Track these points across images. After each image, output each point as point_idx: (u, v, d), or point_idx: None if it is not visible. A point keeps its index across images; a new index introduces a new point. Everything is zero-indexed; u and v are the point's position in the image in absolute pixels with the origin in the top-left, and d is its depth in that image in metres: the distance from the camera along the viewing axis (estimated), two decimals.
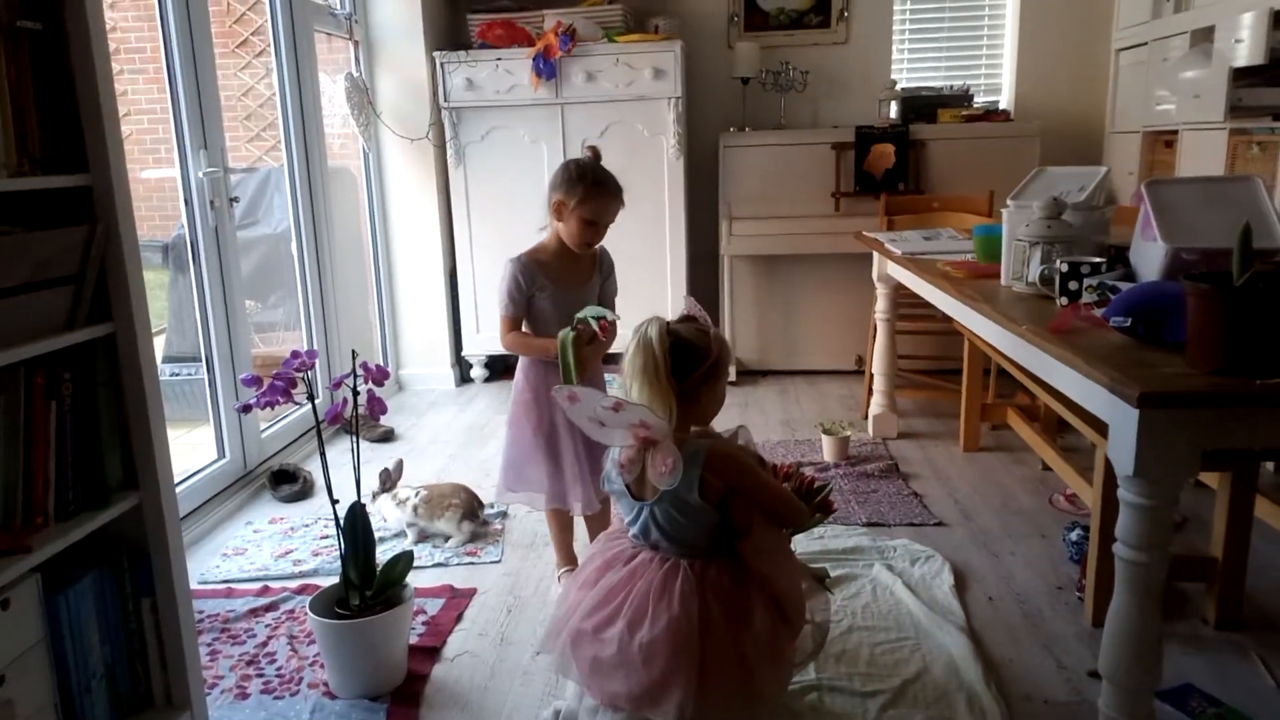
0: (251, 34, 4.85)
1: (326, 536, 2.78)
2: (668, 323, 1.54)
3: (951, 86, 4.53)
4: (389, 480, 2.82)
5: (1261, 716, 1.81)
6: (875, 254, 3.39)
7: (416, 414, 4.13)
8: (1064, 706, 1.87)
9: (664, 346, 1.48)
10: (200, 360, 3.16)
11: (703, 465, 1.48)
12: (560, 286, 2.23)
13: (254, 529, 2.89)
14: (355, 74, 4.09)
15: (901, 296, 3.41)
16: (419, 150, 4.30)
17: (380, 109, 4.26)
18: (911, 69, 4.75)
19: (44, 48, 1.46)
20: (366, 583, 1.97)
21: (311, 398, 1.92)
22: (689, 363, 1.51)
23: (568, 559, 2.43)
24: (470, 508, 2.75)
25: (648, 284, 4.25)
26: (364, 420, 3.59)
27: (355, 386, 1.94)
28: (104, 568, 1.61)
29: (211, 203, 3.03)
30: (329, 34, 3.99)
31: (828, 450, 3.32)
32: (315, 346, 3.79)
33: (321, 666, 2.04)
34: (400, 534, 2.77)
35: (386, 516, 2.75)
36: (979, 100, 4.50)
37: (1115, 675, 1.54)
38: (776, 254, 4.33)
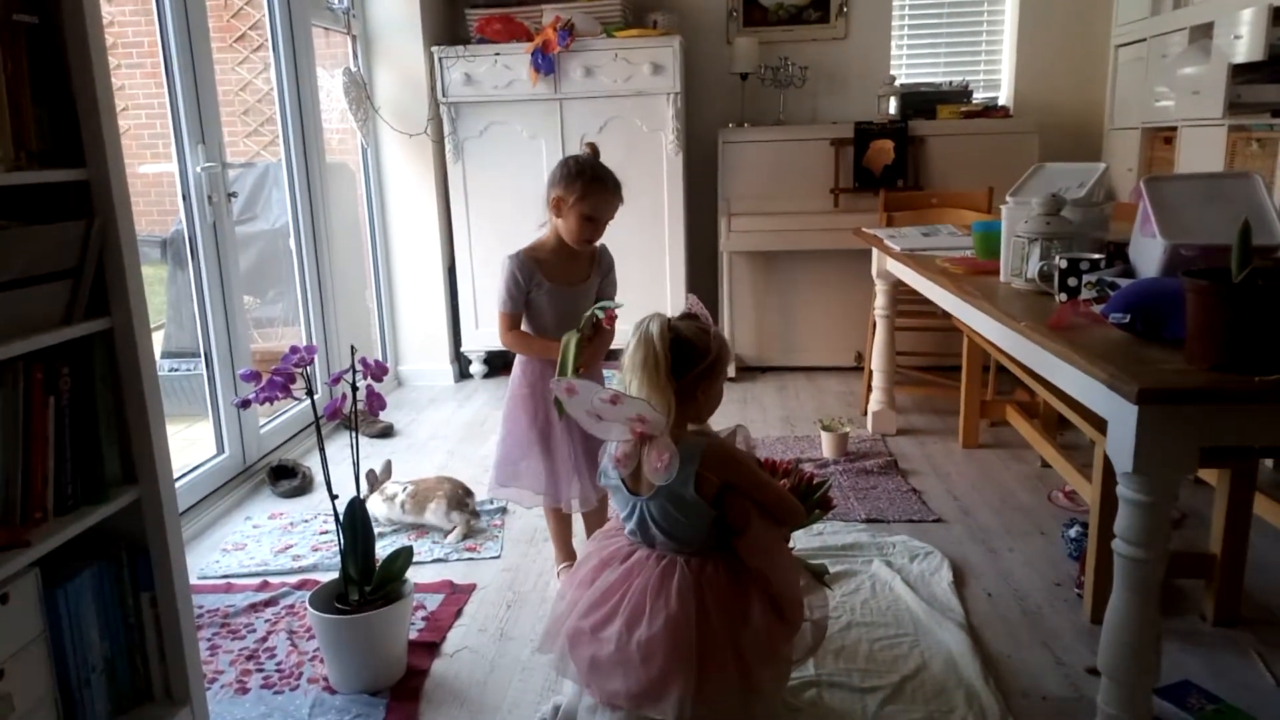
0: (249, 28, 4.84)
1: (326, 532, 2.78)
2: (669, 319, 1.54)
3: (951, 83, 4.53)
4: (376, 481, 2.82)
5: (1259, 713, 1.81)
6: (874, 250, 3.39)
7: (416, 409, 4.13)
8: (1062, 703, 1.88)
9: (665, 343, 1.48)
10: (199, 355, 3.16)
11: (699, 461, 1.48)
12: (558, 284, 2.23)
13: (253, 524, 2.89)
14: (353, 69, 4.09)
15: (900, 293, 3.41)
16: (417, 145, 4.29)
17: (378, 104, 4.25)
18: (911, 65, 4.75)
19: (40, 41, 1.45)
20: (366, 578, 1.97)
21: (310, 393, 1.92)
22: (688, 360, 1.51)
23: (567, 555, 2.43)
24: (456, 497, 2.76)
25: (646, 280, 4.25)
26: (363, 416, 3.58)
27: (354, 382, 1.94)
28: (103, 562, 1.61)
29: (210, 198, 3.03)
30: (327, 28, 3.98)
31: (827, 447, 3.33)
32: (314, 342, 3.78)
33: (321, 661, 2.04)
34: (399, 529, 2.78)
35: (376, 515, 2.75)
36: (978, 96, 4.49)
37: (1114, 671, 1.55)
38: (775, 250, 4.33)
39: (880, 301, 3.47)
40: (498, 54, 4.14)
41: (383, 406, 2.00)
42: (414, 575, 2.12)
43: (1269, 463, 2.73)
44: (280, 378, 1.86)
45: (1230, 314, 1.40)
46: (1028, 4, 4.52)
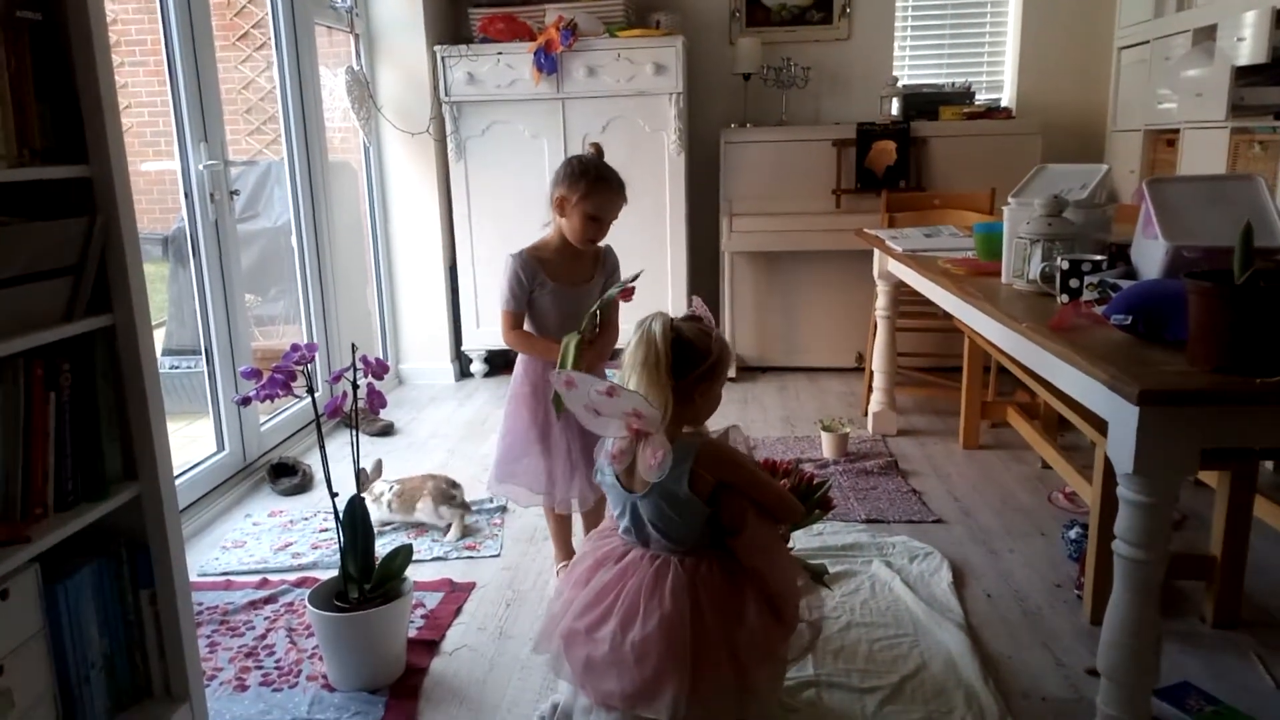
0: (252, 27, 4.84)
1: (326, 530, 2.78)
2: (672, 319, 1.54)
3: (953, 84, 4.53)
4: (365, 480, 2.82)
5: (1259, 715, 1.81)
6: (876, 251, 3.39)
7: (416, 408, 4.13)
8: (1062, 704, 1.88)
9: (666, 342, 1.48)
10: (200, 353, 3.16)
11: (694, 460, 1.48)
12: (562, 284, 2.22)
13: (253, 522, 2.89)
14: (356, 68, 4.09)
15: (902, 294, 3.41)
16: (419, 144, 4.29)
17: (381, 103, 4.25)
18: (913, 66, 4.75)
19: (44, 38, 1.45)
20: (365, 576, 1.97)
21: (311, 391, 1.92)
22: (689, 361, 1.51)
23: (566, 553, 2.43)
24: (441, 492, 2.76)
25: (648, 279, 4.21)
26: (364, 414, 3.59)
27: (355, 380, 1.94)
28: (103, 559, 1.61)
29: (212, 196, 3.03)
30: (330, 27, 3.99)
31: (827, 447, 3.33)
32: (315, 340, 3.78)
33: (320, 659, 2.05)
34: (396, 528, 2.78)
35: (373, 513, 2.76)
36: (980, 98, 4.49)
37: (1113, 673, 1.54)
38: (777, 250, 4.33)
39: (881, 302, 3.47)
40: (500, 53, 4.15)
41: (383, 405, 2.00)
42: (413, 573, 2.12)
43: (1269, 465, 2.73)
44: (281, 375, 1.87)
45: (1232, 316, 1.40)
46: (1031, 5, 4.52)
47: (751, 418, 3.84)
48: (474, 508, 2.92)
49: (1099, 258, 1.91)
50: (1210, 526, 2.19)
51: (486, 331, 4.49)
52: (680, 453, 1.47)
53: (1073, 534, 2.44)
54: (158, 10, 2.87)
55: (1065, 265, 1.91)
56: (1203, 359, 1.44)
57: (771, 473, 1.98)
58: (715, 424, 1.67)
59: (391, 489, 2.77)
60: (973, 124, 4.20)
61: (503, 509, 2.92)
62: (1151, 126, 3.88)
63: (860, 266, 3.98)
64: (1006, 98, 4.67)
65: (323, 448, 2.00)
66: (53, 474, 1.49)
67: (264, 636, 2.20)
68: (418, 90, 4.25)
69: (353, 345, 2.06)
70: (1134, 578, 1.49)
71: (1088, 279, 1.86)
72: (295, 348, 1.89)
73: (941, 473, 3.16)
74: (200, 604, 2.32)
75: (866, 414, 3.65)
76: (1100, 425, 1.93)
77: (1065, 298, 1.90)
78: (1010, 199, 2.25)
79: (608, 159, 2.24)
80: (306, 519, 2.90)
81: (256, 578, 2.50)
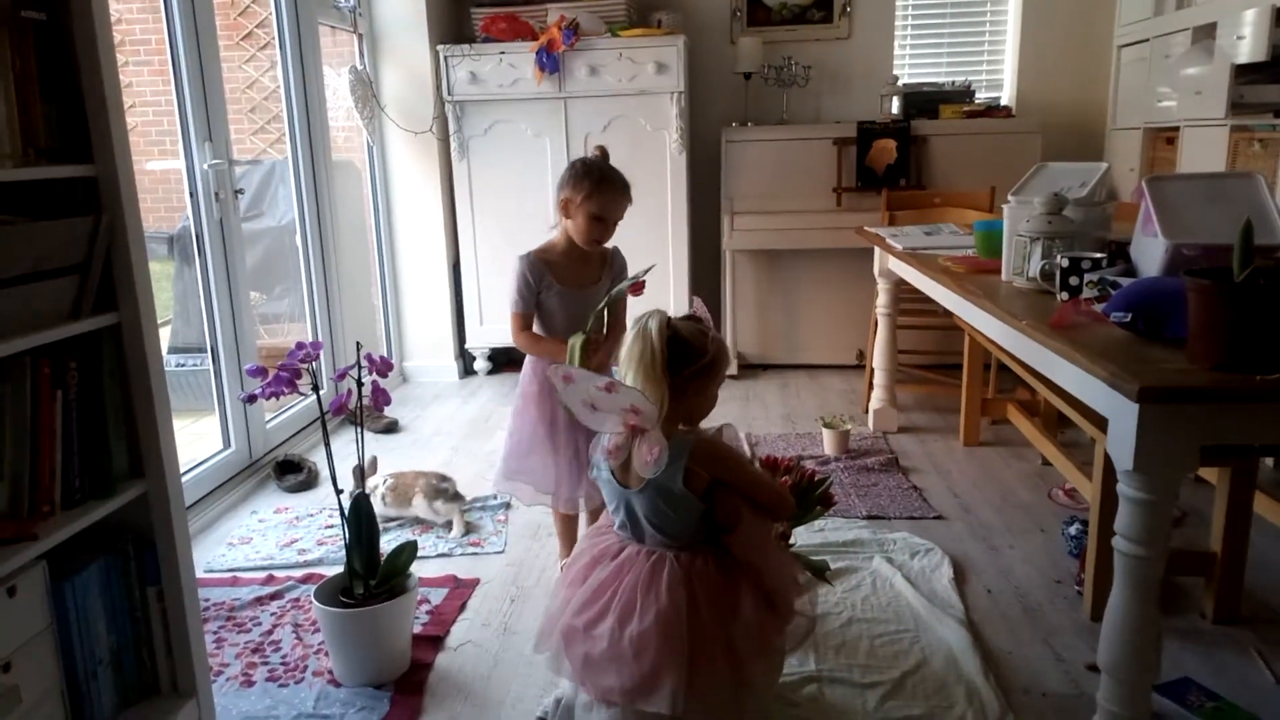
0: (256, 27, 4.85)
1: (331, 526, 2.79)
2: (669, 317, 1.55)
3: (953, 82, 4.53)
4: (362, 476, 2.83)
5: (1259, 710, 1.82)
6: (876, 249, 3.40)
7: (420, 406, 4.14)
8: (1062, 699, 1.89)
9: (662, 339, 1.49)
10: (206, 351, 3.18)
11: (689, 456, 1.49)
12: (568, 286, 2.23)
13: (259, 518, 2.91)
14: (359, 67, 4.10)
15: (902, 291, 3.41)
16: (423, 144, 4.30)
17: (384, 102, 4.26)
18: (913, 65, 4.75)
19: (49, 38, 1.46)
20: (371, 572, 1.98)
21: (316, 389, 1.93)
22: (684, 358, 1.52)
23: (571, 551, 2.44)
24: (432, 487, 2.77)
25: (650, 277, 4.24)
26: (368, 412, 3.60)
27: (359, 378, 1.95)
28: (110, 556, 1.62)
29: (216, 195, 3.04)
30: (333, 27, 4.00)
31: (828, 444, 3.34)
32: (320, 338, 3.80)
33: (326, 655, 2.06)
34: (402, 524, 2.79)
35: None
36: (980, 96, 4.49)
37: (1114, 669, 1.55)
38: (778, 249, 4.33)
39: (882, 300, 3.48)
40: (503, 53, 4.15)
41: (388, 402, 2.01)
42: (418, 569, 2.13)
43: (1269, 461, 2.73)
44: (286, 373, 1.88)
45: (1232, 313, 1.41)
46: (1030, 4, 4.52)
47: (753, 415, 3.85)
48: (478, 504, 2.94)
49: (1099, 255, 1.91)
50: (1210, 523, 2.20)
51: (490, 329, 4.50)
52: (676, 449, 1.48)
53: (1073, 530, 2.45)
54: (162, 10, 2.88)
55: (1065, 263, 1.91)
56: (1202, 356, 1.45)
57: (773, 469, 2.00)
58: (715, 422, 1.68)
59: (385, 482, 2.78)
60: (973, 122, 4.20)
61: (507, 505, 2.93)
62: (1151, 124, 3.89)
63: (861, 264, 3.98)
64: (1006, 96, 4.68)
65: (328, 445, 2.01)
66: (60, 472, 1.51)
67: (270, 632, 2.21)
68: (421, 90, 4.26)
69: (357, 343, 2.07)
70: (1134, 574, 1.50)
71: (1087, 277, 1.86)
72: (300, 345, 1.90)
73: (942, 469, 3.17)
74: (207, 600, 2.33)
75: (867, 411, 3.65)
76: (1100, 422, 1.94)
77: (1065, 295, 1.91)
78: (1010, 197, 2.26)
79: (610, 158, 2.25)
80: (312, 515, 2.91)
81: (263, 574, 2.51)
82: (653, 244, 4.25)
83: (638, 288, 2.09)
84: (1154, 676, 1.57)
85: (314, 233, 3.75)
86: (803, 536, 2.50)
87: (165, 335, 4.28)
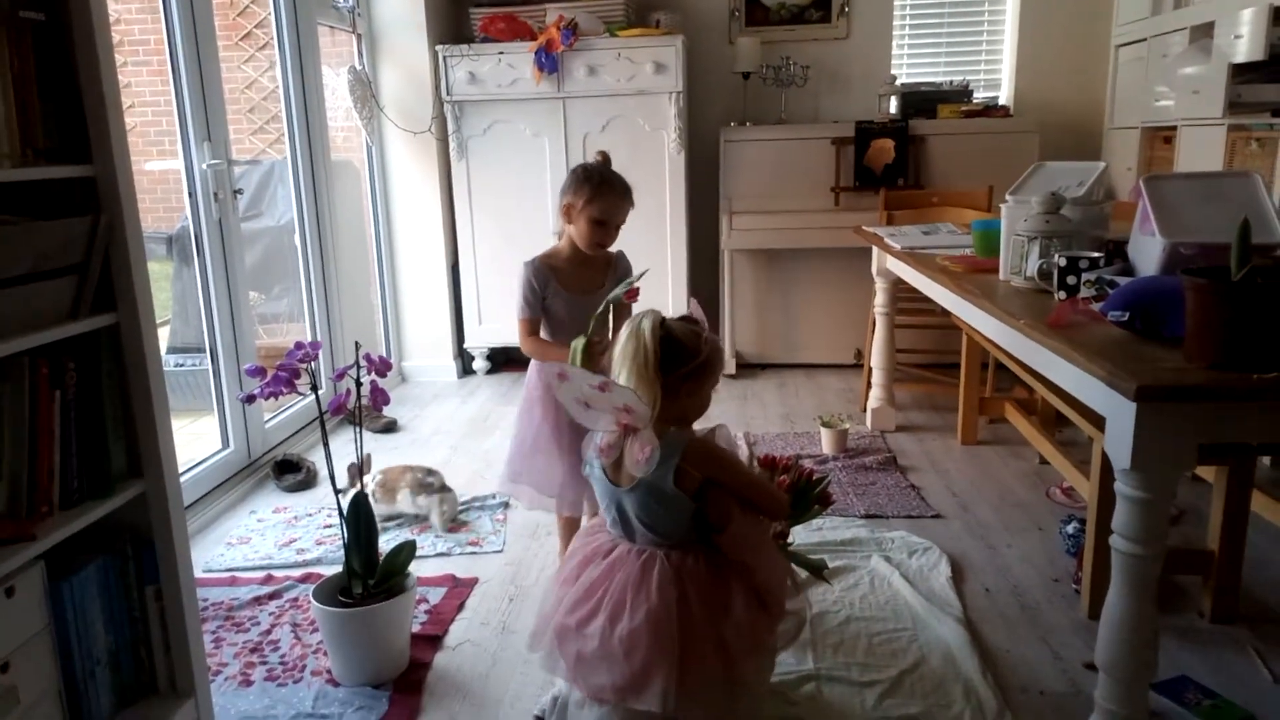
0: (255, 27, 4.85)
1: (330, 526, 2.79)
2: (664, 317, 1.55)
3: (951, 82, 4.53)
4: (356, 474, 2.84)
5: (1256, 708, 1.83)
6: (874, 249, 3.40)
7: (419, 405, 4.14)
8: (1060, 697, 1.89)
9: (655, 338, 1.50)
10: (204, 351, 3.18)
11: (681, 456, 1.49)
12: (573, 292, 2.23)
13: (258, 518, 2.91)
14: (358, 67, 4.10)
15: (900, 291, 3.42)
16: (421, 143, 4.31)
17: (383, 102, 4.27)
18: (911, 65, 4.76)
19: (48, 38, 1.46)
20: (369, 571, 1.98)
21: (315, 388, 1.93)
22: (677, 358, 1.52)
23: None
24: (417, 481, 2.78)
25: (648, 278, 4.23)
26: (367, 411, 3.60)
27: (358, 378, 1.95)
28: (108, 556, 1.62)
29: (215, 194, 3.04)
30: (332, 27, 4.00)
31: (826, 443, 3.34)
32: (318, 338, 3.80)
33: (325, 654, 2.06)
34: (401, 523, 2.79)
35: None
36: (978, 96, 4.50)
37: (1111, 667, 1.56)
38: (776, 248, 4.34)
39: (880, 299, 3.49)
40: (501, 53, 4.16)
41: (386, 402, 2.02)
42: (417, 569, 2.13)
43: (1266, 460, 2.74)
44: (285, 373, 1.88)
45: (1229, 312, 1.41)
46: (1028, 4, 4.52)
47: (751, 414, 3.85)
48: (476, 503, 2.94)
49: (1096, 255, 1.92)
50: (1207, 521, 2.20)
51: (488, 329, 4.50)
52: (668, 448, 1.48)
53: (1070, 529, 2.46)
54: (161, 10, 2.88)
55: (1063, 262, 1.91)
56: (1200, 355, 1.45)
57: (771, 468, 2.00)
58: (711, 422, 1.68)
59: (374, 479, 2.79)
60: (970, 122, 4.20)
61: (505, 505, 2.93)
62: (1149, 124, 3.89)
63: (859, 264, 3.99)
64: (1004, 96, 4.68)
65: (326, 445, 2.01)
66: (58, 472, 1.51)
67: (269, 632, 2.22)
68: (419, 90, 4.27)
69: (356, 343, 2.07)
70: (1132, 573, 1.50)
71: (1085, 276, 1.87)
72: (299, 345, 1.90)
73: (940, 468, 3.17)
74: (205, 600, 2.33)
75: (865, 410, 3.66)
76: (1098, 421, 1.94)
77: (1063, 294, 1.91)
78: (1008, 196, 2.26)
79: (611, 162, 2.25)
80: (310, 515, 2.91)
81: (261, 574, 2.51)
82: (651, 244, 4.25)
83: (632, 294, 2.09)
84: (1151, 675, 1.57)
85: (313, 232, 3.76)
86: (801, 535, 2.50)
87: (164, 335, 4.28)
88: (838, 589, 2.31)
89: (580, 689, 1.55)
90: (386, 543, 2.13)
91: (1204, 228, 1.76)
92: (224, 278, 3.11)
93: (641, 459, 1.46)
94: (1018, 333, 1.85)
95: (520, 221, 4.31)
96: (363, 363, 1.95)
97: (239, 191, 3.20)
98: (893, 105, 4.39)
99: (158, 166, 5.06)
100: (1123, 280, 1.77)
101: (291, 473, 3.19)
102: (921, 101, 4.33)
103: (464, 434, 3.72)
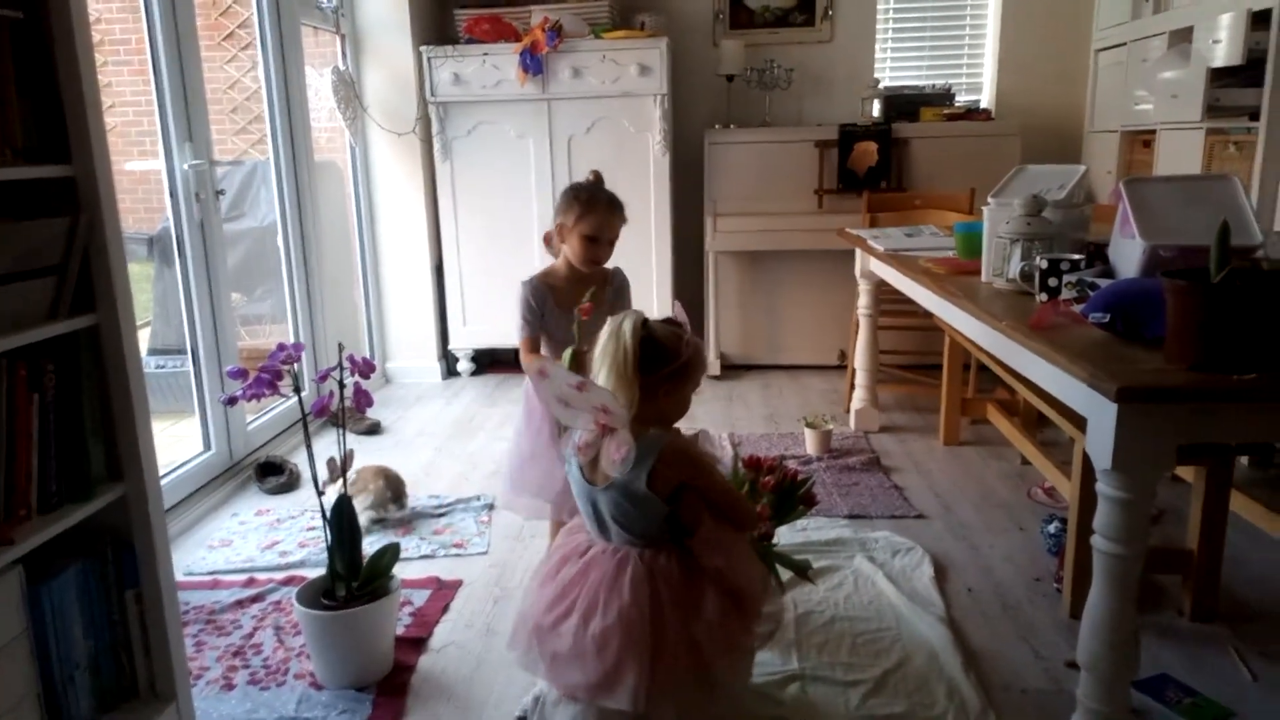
0: (238, 27, 4.82)
1: (313, 528, 2.78)
2: (645, 319, 1.55)
3: (933, 85, 4.56)
4: (336, 470, 2.82)
5: (1235, 706, 1.84)
6: (858, 250, 3.42)
7: (403, 407, 4.13)
8: (1042, 695, 1.90)
9: (635, 339, 1.50)
10: (186, 352, 3.15)
11: (655, 457, 1.49)
12: (568, 310, 2.23)
13: (240, 521, 2.89)
14: (342, 68, 4.08)
15: (883, 292, 3.43)
16: (405, 144, 4.29)
17: (367, 103, 4.25)
18: (894, 68, 4.78)
19: (26, 36, 1.45)
20: (353, 574, 1.97)
21: (298, 390, 1.92)
22: (657, 359, 1.52)
23: None
24: (382, 498, 2.78)
25: (632, 279, 4.23)
26: (350, 413, 3.58)
27: (341, 379, 1.94)
28: (88, 559, 1.60)
29: (197, 195, 3.02)
30: (316, 27, 3.98)
31: (810, 443, 3.35)
32: (301, 339, 3.77)
33: (308, 657, 2.05)
34: (385, 525, 2.78)
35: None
36: (960, 99, 4.53)
37: (1093, 665, 1.57)
38: (760, 250, 4.35)
39: (863, 301, 3.50)
40: (486, 54, 4.15)
41: (370, 404, 2.01)
42: (401, 571, 2.12)
43: (1245, 460, 2.77)
44: (267, 375, 1.86)
45: (1209, 314, 1.42)
46: (1009, 8, 4.56)
47: (736, 415, 3.86)
48: (460, 505, 2.93)
49: (1077, 257, 1.93)
50: (1187, 521, 2.22)
51: (473, 330, 4.49)
52: (644, 449, 1.48)
53: (1051, 528, 2.48)
54: (142, 9, 2.85)
55: (1044, 264, 1.93)
56: (1180, 356, 1.47)
57: (756, 469, 2.01)
58: (696, 423, 1.68)
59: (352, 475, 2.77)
60: (953, 125, 4.23)
61: (490, 507, 2.92)
62: (1128, 127, 3.93)
63: (842, 266, 4.00)
64: (986, 99, 4.71)
65: (309, 447, 2.00)
66: (36, 475, 1.49)
67: (251, 635, 2.20)
68: (404, 90, 4.25)
69: (339, 344, 2.06)
70: (1112, 572, 1.52)
71: (1066, 278, 1.88)
72: (281, 347, 1.89)
73: (923, 469, 3.19)
74: (187, 604, 2.31)
75: (849, 411, 3.67)
76: (1079, 422, 1.95)
77: (1044, 296, 1.92)
78: (990, 199, 2.27)
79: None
80: (293, 518, 2.89)
81: (243, 577, 2.49)
82: (636, 245, 4.25)
83: (586, 309, 2.10)
84: (1133, 673, 1.59)
85: (296, 234, 3.73)
86: (785, 536, 2.50)
87: (145, 337, 4.25)
88: (822, 589, 2.32)
89: (556, 688, 1.56)
90: (370, 545, 2.12)
91: (1183, 230, 1.78)
92: (206, 279, 3.08)
93: (617, 459, 1.46)
94: (1000, 334, 1.86)
95: (505, 222, 4.31)
96: (346, 364, 1.95)
97: (221, 192, 3.18)
98: (876, 108, 4.42)
99: (139, 167, 5.01)
100: (1103, 282, 1.78)
101: (274, 475, 3.17)
102: (904, 104, 4.35)
103: (448, 436, 3.71)
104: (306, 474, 3.16)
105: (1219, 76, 3.14)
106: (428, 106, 4.24)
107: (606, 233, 2.22)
